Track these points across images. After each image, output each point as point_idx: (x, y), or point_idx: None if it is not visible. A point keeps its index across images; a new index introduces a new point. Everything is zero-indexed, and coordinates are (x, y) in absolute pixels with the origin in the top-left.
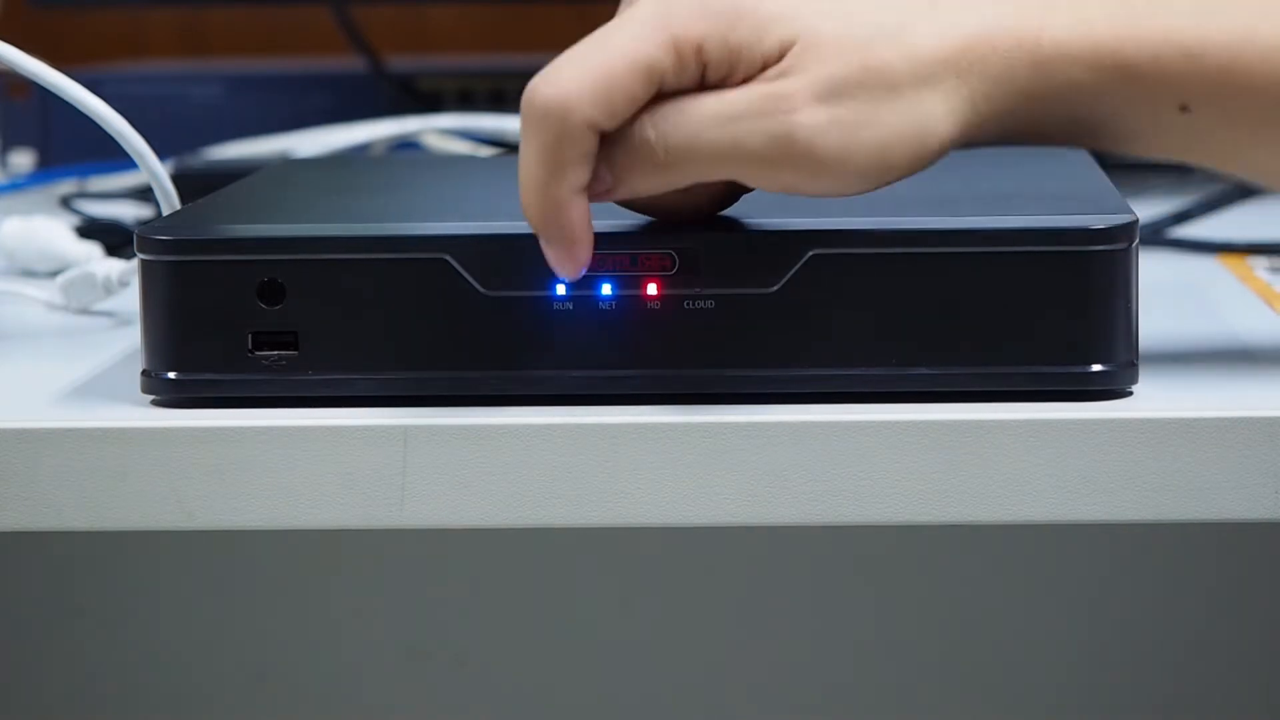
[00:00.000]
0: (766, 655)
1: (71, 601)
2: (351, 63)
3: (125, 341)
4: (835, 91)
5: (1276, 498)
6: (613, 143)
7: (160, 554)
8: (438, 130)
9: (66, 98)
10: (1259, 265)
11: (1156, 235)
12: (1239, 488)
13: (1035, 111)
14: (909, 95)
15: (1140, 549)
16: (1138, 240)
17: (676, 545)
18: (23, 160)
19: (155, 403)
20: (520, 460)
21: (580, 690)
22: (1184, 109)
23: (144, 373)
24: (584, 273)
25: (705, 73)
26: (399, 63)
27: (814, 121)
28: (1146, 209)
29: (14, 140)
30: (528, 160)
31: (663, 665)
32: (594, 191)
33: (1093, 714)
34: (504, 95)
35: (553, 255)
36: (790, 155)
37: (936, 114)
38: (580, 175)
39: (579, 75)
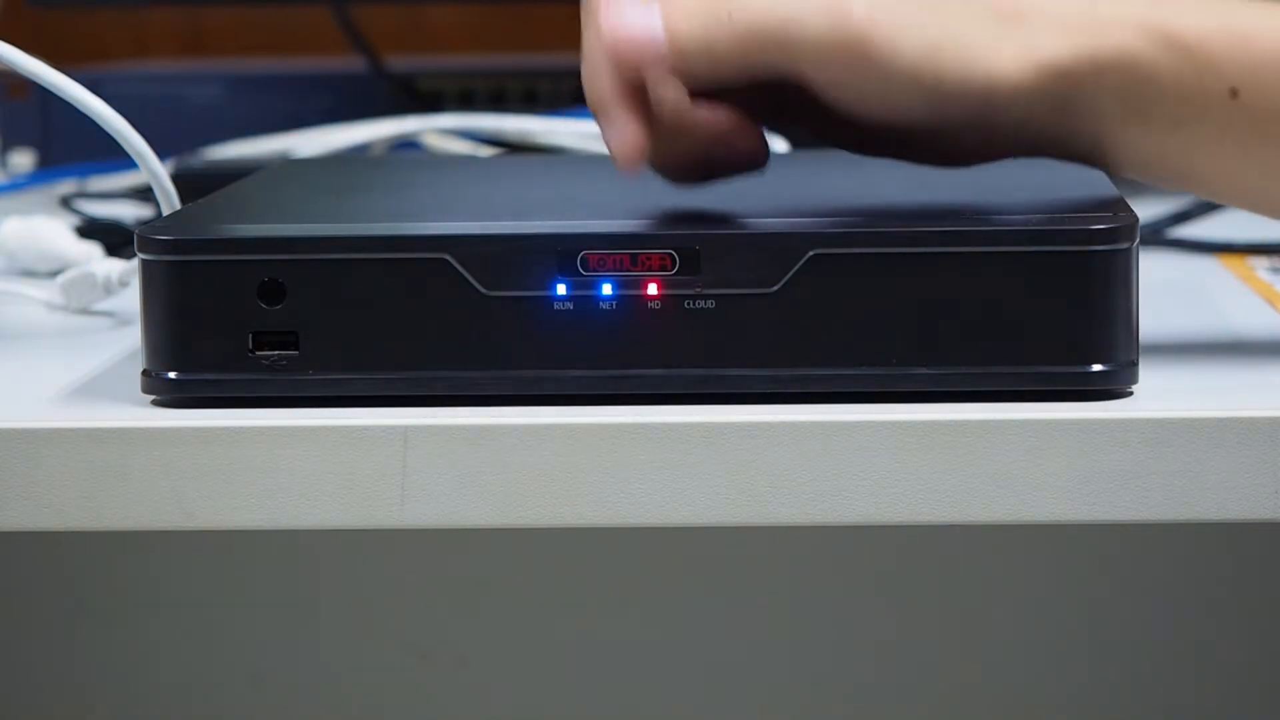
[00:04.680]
0: (767, 655)
1: (71, 601)
2: (351, 63)
3: (125, 341)
4: None
5: (1276, 498)
6: (677, 3)
7: (160, 554)
8: (438, 130)
9: (66, 98)
10: (1259, 265)
11: (1156, 235)
12: (1239, 488)
13: (1089, 76)
14: (959, 15)
15: (1140, 549)
16: (1138, 240)
17: (676, 545)
18: (23, 160)
19: (155, 403)
20: (520, 460)
21: (580, 690)
22: (1234, 93)
23: (144, 373)
24: (639, 161)
25: None
26: (399, 63)
27: (868, 10)
28: (1146, 209)
29: (14, 140)
30: (587, 29)
31: (663, 665)
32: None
33: (1093, 714)
34: (504, 95)
35: (608, 132)
36: (843, 39)
37: (988, 41)
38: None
39: None
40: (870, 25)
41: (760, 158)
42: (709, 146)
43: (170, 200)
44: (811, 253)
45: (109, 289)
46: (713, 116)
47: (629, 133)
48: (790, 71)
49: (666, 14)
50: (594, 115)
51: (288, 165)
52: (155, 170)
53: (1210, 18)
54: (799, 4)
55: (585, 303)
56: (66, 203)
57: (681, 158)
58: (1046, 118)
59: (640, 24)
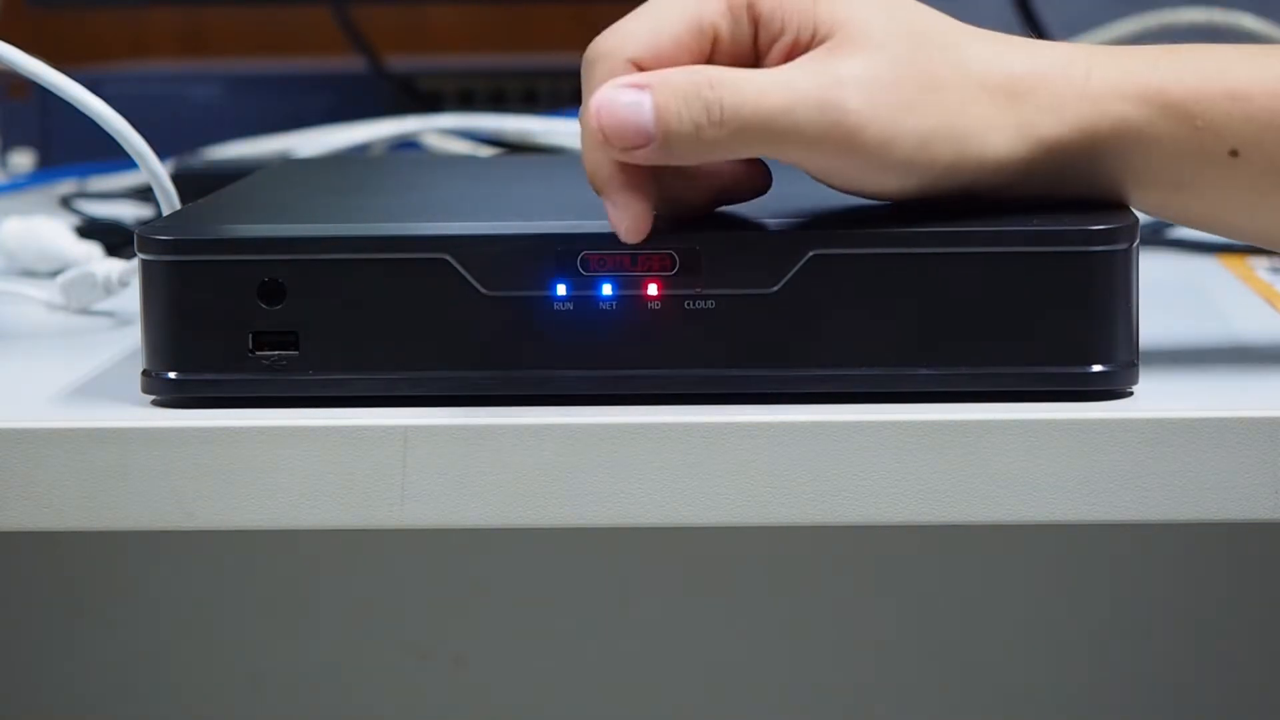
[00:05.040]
0: (767, 655)
1: (71, 601)
2: (351, 63)
3: (125, 341)
4: (885, 81)
5: (1276, 498)
6: (668, 92)
7: (160, 554)
8: (438, 130)
9: (66, 98)
10: (1259, 265)
11: (1156, 235)
12: (1239, 488)
13: (1086, 149)
14: (954, 99)
15: (1140, 549)
16: (1138, 240)
17: (676, 545)
18: (23, 160)
19: (155, 403)
20: (520, 460)
21: (580, 690)
22: (1234, 153)
23: (144, 373)
24: (645, 234)
25: (756, 30)
26: (399, 63)
27: (862, 104)
28: None
29: (14, 140)
30: (582, 107)
31: (663, 665)
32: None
33: (1093, 714)
34: (504, 95)
35: (611, 211)
36: (836, 134)
37: (982, 123)
38: None
39: (629, 24)
40: (863, 120)
41: (765, 186)
42: (715, 194)
43: (170, 200)
44: (811, 253)
45: (109, 289)
46: (716, 170)
47: (631, 215)
48: (779, 157)
49: (657, 101)
50: (595, 191)
51: (288, 165)
52: (155, 170)
53: (1207, 79)
54: (791, 95)
55: (585, 303)
56: (66, 203)
57: (689, 207)
58: (1041, 182)
59: (630, 112)
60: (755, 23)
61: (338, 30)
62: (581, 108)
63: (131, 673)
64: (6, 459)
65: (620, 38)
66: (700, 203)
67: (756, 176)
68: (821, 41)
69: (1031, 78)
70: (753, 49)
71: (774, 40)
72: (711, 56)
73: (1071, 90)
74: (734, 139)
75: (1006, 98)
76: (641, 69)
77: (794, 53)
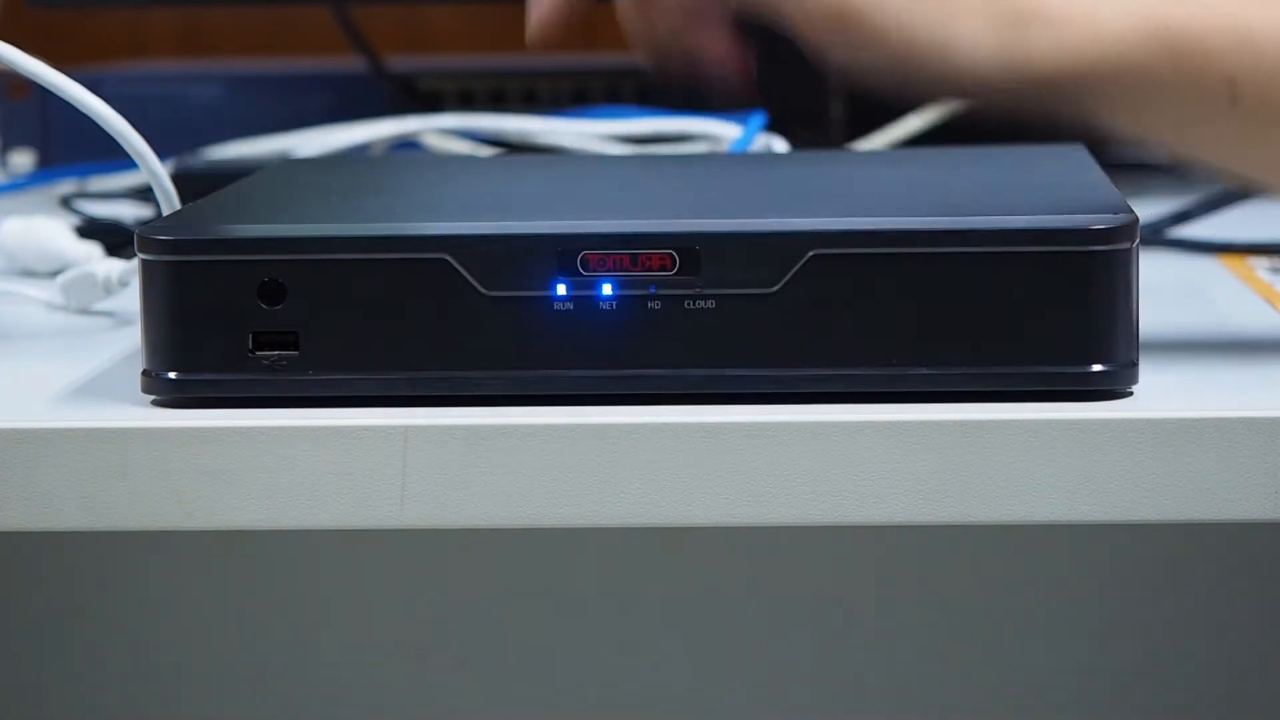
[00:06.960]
0: (766, 655)
1: (71, 601)
2: (351, 63)
3: (125, 341)
4: None
5: (1276, 498)
6: None
7: (160, 554)
8: (438, 130)
9: (66, 98)
10: (1259, 265)
11: (1156, 235)
12: (1239, 488)
13: (1081, 83)
14: (958, 9)
15: (1141, 549)
16: (1138, 240)
17: (676, 545)
18: (23, 160)
19: (155, 403)
20: (520, 460)
21: (580, 690)
22: (1234, 98)
23: (144, 373)
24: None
25: None
26: (399, 63)
27: None
28: (1146, 209)
29: (14, 140)
30: None
31: (662, 665)
32: None
33: (1092, 714)
34: (504, 95)
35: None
36: (839, 8)
37: (974, 41)
38: None
39: None
40: (864, 4)
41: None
42: (696, 65)
43: (170, 200)
44: (811, 253)
45: (109, 289)
46: (705, 43)
47: (548, 18)
48: (774, 18)
49: None
50: None
51: (288, 165)
52: (155, 170)
53: (1218, 19)
54: None
55: (585, 303)
56: (66, 203)
57: (668, 64)
58: (1029, 109)
59: None
60: None
61: (338, 30)
62: None
63: (131, 673)
64: (6, 459)
65: None
66: (680, 71)
67: (737, 70)
68: None
69: (1036, 2)
70: None
71: None
72: None
73: (1075, 22)
74: None
75: (1008, 21)
76: None
77: None
